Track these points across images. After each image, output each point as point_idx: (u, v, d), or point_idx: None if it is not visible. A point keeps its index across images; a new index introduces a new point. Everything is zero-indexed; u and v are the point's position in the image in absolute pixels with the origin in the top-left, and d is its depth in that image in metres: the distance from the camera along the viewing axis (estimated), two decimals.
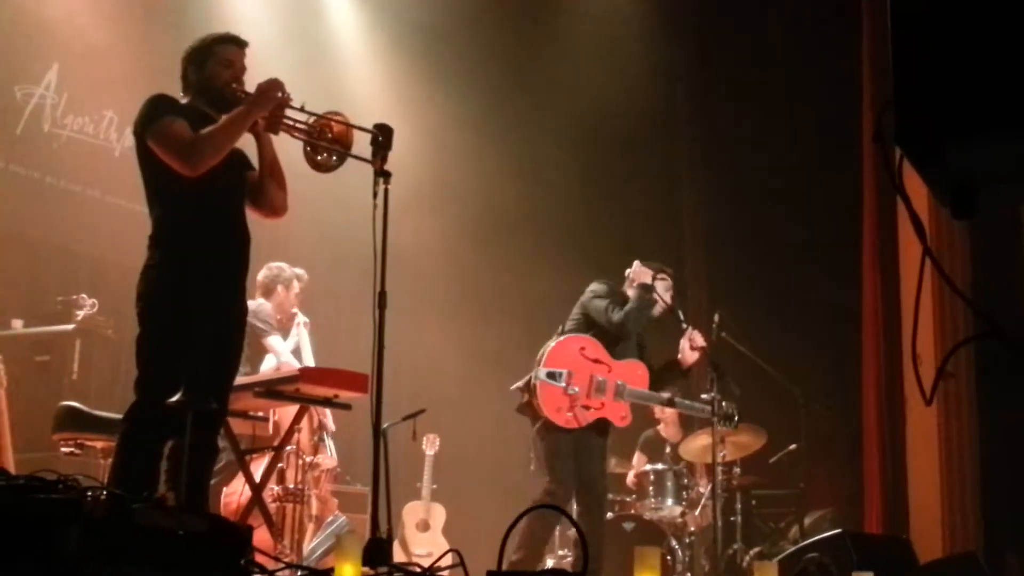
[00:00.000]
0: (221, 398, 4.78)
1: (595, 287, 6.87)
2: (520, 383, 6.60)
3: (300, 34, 9.78)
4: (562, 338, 6.64)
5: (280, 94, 4.73)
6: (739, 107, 9.61)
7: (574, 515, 6.46)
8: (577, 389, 6.48)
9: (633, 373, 6.75)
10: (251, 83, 4.84)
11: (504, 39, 10.08)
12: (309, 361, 7.28)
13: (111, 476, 4.49)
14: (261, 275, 7.47)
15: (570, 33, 10.25)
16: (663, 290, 6.88)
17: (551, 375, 6.49)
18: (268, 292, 7.45)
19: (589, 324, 6.72)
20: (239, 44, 4.92)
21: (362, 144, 4.79)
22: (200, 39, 4.92)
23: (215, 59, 4.85)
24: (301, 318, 7.58)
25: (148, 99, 4.73)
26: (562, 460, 6.50)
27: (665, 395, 6.97)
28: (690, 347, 6.84)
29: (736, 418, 6.83)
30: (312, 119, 4.81)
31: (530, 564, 6.33)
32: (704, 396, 7.23)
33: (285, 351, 7.17)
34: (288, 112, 4.78)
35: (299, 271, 7.66)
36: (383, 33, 10.26)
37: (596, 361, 6.63)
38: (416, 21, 10.00)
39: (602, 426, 6.70)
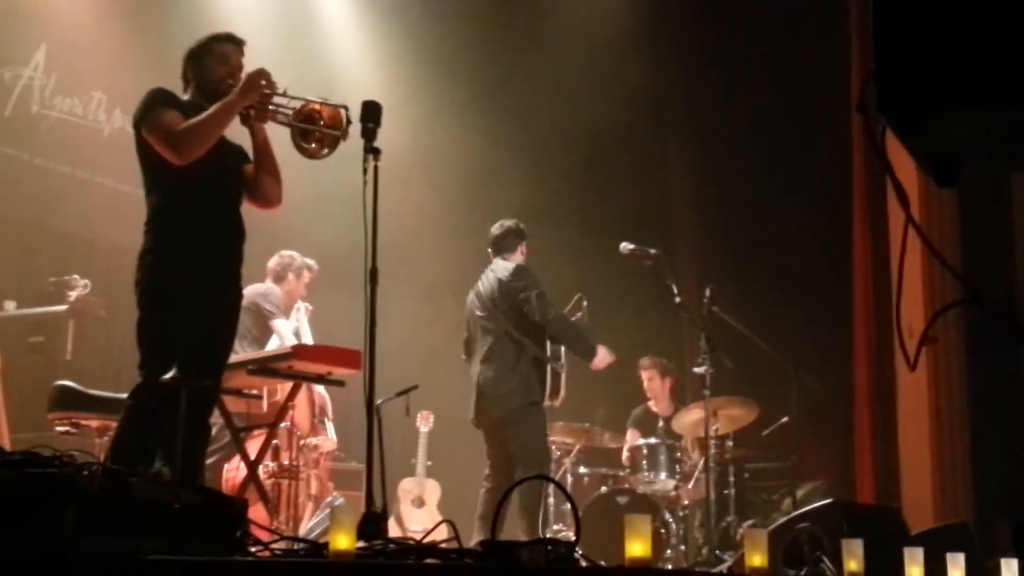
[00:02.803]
0: (215, 377, 4.89)
1: (519, 272, 7.18)
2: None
3: (291, 16, 9.75)
4: None
5: (264, 82, 4.80)
6: (728, 79, 9.58)
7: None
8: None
9: None
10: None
11: (495, 22, 10.06)
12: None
13: (110, 452, 4.56)
14: (272, 262, 7.53)
15: (558, 17, 10.25)
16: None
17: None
18: (279, 279, 7.52)
19: (520, 316, 7.00)
20: (236, 42, 5.06)
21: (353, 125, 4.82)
22: (199, 39, 5.04)
23: (212, 56, 4.97)
24: (301, 303, 7.62)
25: (147, 92, 4.85)
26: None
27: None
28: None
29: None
30: (298, 104, 4.86)
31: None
32: (697, 369, 7.29)
33: (289, 335, 7.19)
34: (276, 100, 4.85)
35: (310, 261, 7.71)
36: (373, 22, 10.25)
37: None
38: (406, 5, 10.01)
39: None
